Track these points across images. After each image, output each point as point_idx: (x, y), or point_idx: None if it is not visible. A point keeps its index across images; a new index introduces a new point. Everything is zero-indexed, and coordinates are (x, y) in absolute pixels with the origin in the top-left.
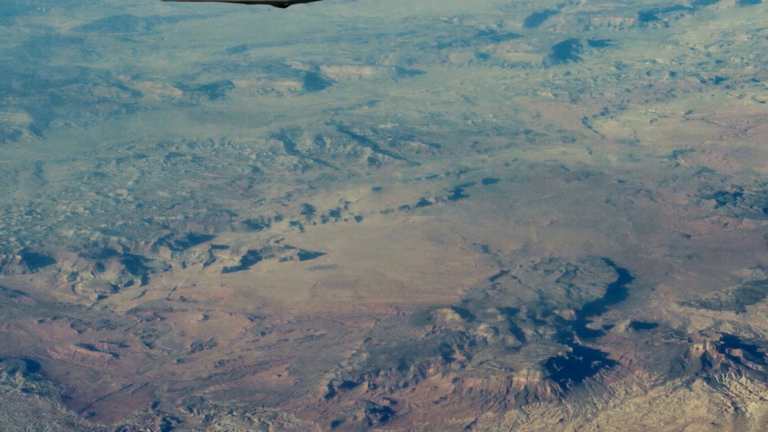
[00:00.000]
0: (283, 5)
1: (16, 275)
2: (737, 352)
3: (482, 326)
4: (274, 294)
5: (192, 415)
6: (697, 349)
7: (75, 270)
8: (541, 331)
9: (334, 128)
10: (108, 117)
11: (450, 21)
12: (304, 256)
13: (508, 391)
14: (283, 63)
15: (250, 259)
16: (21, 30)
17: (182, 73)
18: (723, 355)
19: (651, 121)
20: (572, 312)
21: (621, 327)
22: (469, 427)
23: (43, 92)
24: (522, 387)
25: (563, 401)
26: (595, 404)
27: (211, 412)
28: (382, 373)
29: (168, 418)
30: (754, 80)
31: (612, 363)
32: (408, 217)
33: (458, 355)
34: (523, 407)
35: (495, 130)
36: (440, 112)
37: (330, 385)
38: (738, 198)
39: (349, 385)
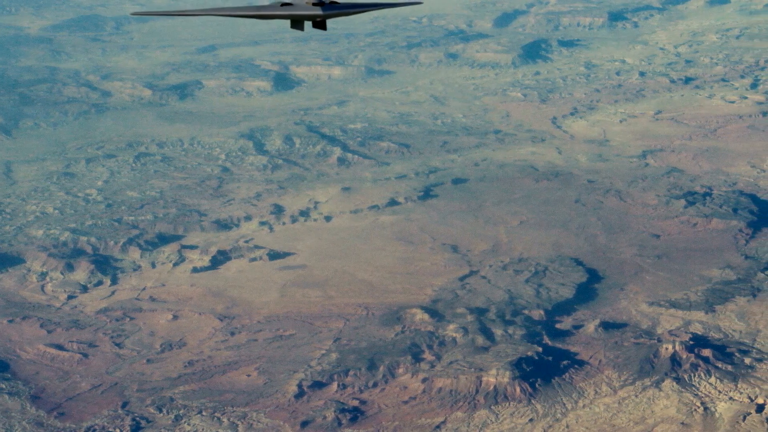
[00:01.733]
0: (319, 24)
1: None
2: (706, 352)
3: (451, 326)
4: (244, 294)
5: (161, 415)
6: (667, 349)
7: (44, 270)
8: (510, 331)
9: (303, 128)
10: (77, 117)
11: (419, 21)
12: (274, 256)
13: (477, 391)
14: (253, 63)
15: (220, 259)
16: None
17: (152, 73)
18: (692, 355)
19: (620, 121)
20: (542, 312)
21: (590, 327)
22: (438, 427)
23: (12, 92)
24: (491, 387)
25: (532, 401)
26: (564, 404)
27: (181, 412)
28: (351, 373)
29: (137, 418)
30: (723, 80)
31: (581, 363)
32: (377, 217)
33: (427, 355)
34: (492, 407)
35: (464, 130)
36: (410, 112)
37: (299, 385)
38: (707, 198)
39: (318, 385)
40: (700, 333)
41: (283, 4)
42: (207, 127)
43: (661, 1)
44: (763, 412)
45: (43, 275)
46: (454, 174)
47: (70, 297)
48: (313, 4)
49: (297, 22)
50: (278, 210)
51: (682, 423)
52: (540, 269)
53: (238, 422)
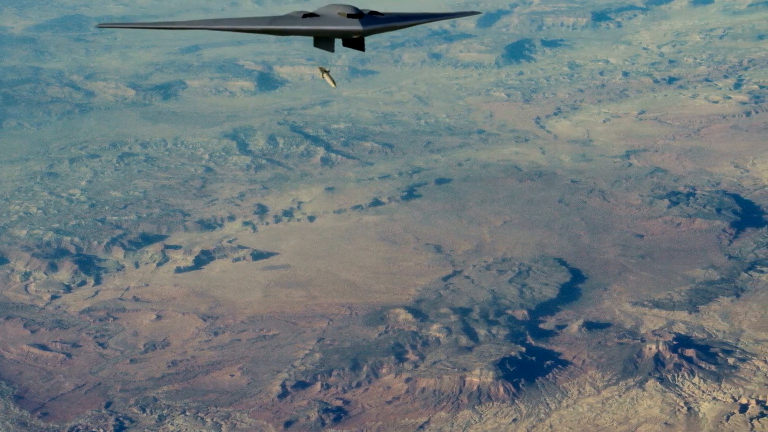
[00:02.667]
0: (355, 43)
1: None
2: (690, 352)
3: (435, 326)
4: (227, 294)
5: (145, 415)
6: (650, 349)
7: (28, 270)
8: (494, 331)
9: (287, 128)
10: (61, 117)
11: None
12: (257, 256)
13: (461, 391)
14: (236, 63)
15: (203, 259)
16: None
17: (135, 73)
18: (676, 355)
19: (604, 121)
20: (525, 312)
21: (574, 327)
22: (422, 427)
23: None
24: (475, 387)
25: (516, 401)
26: (548, 404)
27: (164, 412)
28: (335, 373)
29: (121, 418)
30: (707, 80)
31: (565, 363)
32: (361, 217)
33: (411, 355)
34: (476, 407)
35: (448, 130)
36: (393, 112)
37: (283, 385)
38: (691, 198)
39: (302, 385)
40: (683, 333)
41: (306, 15)
42: (190, 127)
43: (645, 1)
44: (747, 412)
45: (27, 275)
46: (438, 174)
47: (53, 297)
48: (348, 16)
49: (324, 40)
50: (262, 210)
51: (666, 423)
52: (523, 269)
53: (222, 422)
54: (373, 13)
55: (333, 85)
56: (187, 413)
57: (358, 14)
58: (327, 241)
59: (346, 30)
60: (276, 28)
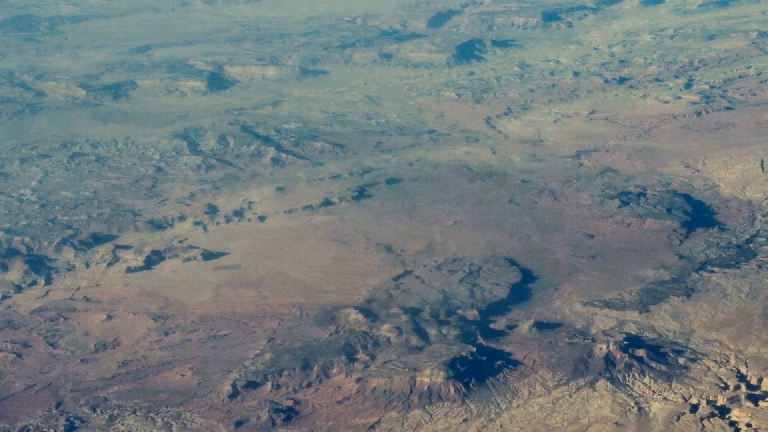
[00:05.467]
0: None
1: None
2: (641, 352)
3: (386, 326)
4: (178, 294)
5: (95, 415)
6: (601, 349)
7: None
8: (444, 331)
9: (237, 128)
10: (11, 117)
11: (353, 21)
12: (208, 256)
13: (411, 391)
14: (187, 63)
15: (154, 259)
16: None
17: (86, 73)
18: (626, 355)
19: (554, 121)
20: (476, 312)
21: (524, 327)
22: (372, 427)
23: None
24: (425, 387)
25: (467, 401)
26: (498, 404)
27: (115, 412)
28: (285, 373)
29: (71, 418)
30: (657, 80)
31: (515, 363)
32: (311, 217)
33: (362, 355)
34: (426, 407)
35: (398, 130)
36: (344, 112)
37: (234, 385)
38: (641, 198)
39: (252, 385)
40: (634, 333)
41: None
42: (141, 127)
43: (595, 1)
44: (697, 412)
45: None
46: (389, 174)
47: (4, 297)
48: None
49: None
50: (212, 210)
51: (617, 423)
52: (474, 269)
53: (173, 422)
54: None
55: None
56: (138, 413)
57: None
58: (278, 241)
59: None
60: None
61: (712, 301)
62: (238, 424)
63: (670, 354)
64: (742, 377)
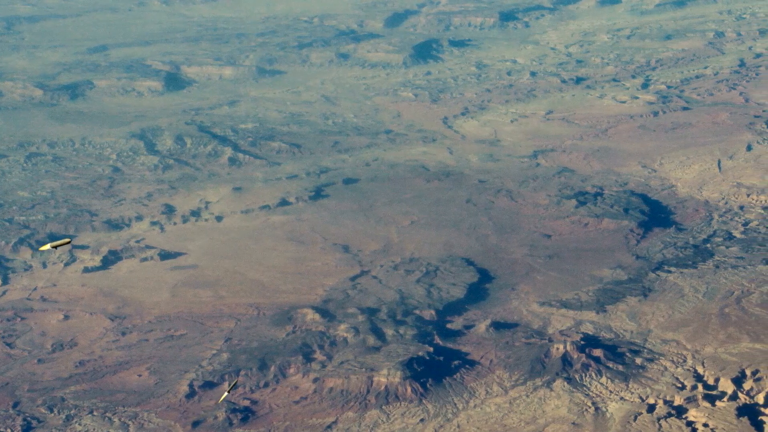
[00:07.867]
0: None
1: None
2: (598, 352)
3: (343, 326)
4: (135, 294)
5: (52, 415)
6: (558, 349)
7: None
8: (401, 331)
9: (194, 128)
10: None
11: (310, 21)
12: (165, 256)
13: (368, 391)
14: (144, 63)
15: (111, 259)
16: None
17: (42, 73)
18: (583, 355)
19: (511, 121)
20: (433, 312)
21: (481, 327)
22: (329, 427)
23: None
24: (382, 387)
25: (424, 401)
26: (455, 404)
27: (72, 412)
28: (242, 373)
29: (28, 418)
30: (614, 80)
31: (472, 363)
32: (268, 217)
33: (319, 355)
34: (383, 407)
35: (355, 130)
36: (301, 112)
37: (190, 385)
38: (598, 198)
39: (209, 385)
40: (591, 333)
41: None
42: (98, 127)
43: (552, 2)
44: (654, 412)
45: None
46: (345, 174)
47: None
48: None
49: None
50: (169, 210)
51: (573, 423)
52: (431, 269)
53: (129, 422)
54: None
55: None
56: (95, 413)
57: None
58: (234, 241)
59: None
60: None
61: (669, 301)
62: (195, 424)
63: (627, 354)
64: (699, 377)
